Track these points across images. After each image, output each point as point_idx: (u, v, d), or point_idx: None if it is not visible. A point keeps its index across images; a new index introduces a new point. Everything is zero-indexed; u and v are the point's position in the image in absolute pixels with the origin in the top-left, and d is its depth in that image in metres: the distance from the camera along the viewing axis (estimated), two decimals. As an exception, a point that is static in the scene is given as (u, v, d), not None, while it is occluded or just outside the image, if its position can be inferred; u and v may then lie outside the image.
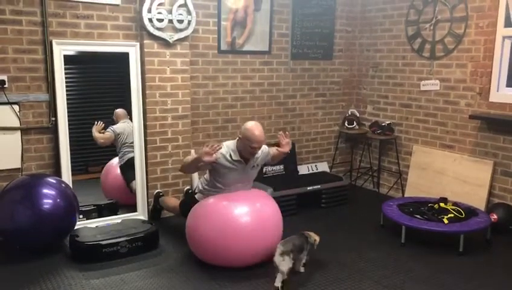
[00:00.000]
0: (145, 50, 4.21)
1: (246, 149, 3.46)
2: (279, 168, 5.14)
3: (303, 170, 5.39)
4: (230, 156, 3.51)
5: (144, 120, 4.33)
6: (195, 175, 4.65)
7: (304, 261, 3.40)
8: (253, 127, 3.44)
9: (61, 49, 3.95)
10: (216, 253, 3.38)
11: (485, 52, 4.36)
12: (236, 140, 3.56)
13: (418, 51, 4.99)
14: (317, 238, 3.46)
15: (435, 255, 3.72)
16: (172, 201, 4.27)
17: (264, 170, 5.02)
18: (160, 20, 4.18)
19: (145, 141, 4.35)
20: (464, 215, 3.96)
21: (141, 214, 4.41)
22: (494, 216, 4.09)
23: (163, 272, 3.43)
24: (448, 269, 3.50)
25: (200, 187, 3.77)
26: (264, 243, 3.40)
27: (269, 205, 3.63)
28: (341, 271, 3.47)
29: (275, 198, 4.43)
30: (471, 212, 4.04)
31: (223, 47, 4.75)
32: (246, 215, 3.40)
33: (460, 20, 4.54)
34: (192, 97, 4.58)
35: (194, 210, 3.57)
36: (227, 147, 3.53)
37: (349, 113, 5.63)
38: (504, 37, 4.25)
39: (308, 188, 4.74)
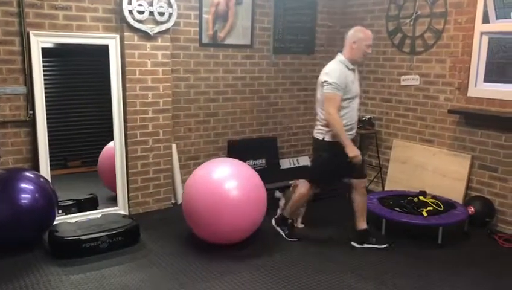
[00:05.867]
0: (126, 42, 4.16)
1: (360, 51, 3.52)
2: (261, 162, 5.16)
3: (285, 164, 5.41)
4: (346, 67, 3.54)
5: (124, 114, 4.28)
6: (178, 181, 4.63)
7: (300, 217, 4.13)
8: (361, 28, 3.58)
9: (39, 41, 3.86)
10: (207, 225, 3.56)
11: (464, 47, 4.43)
12: (339, 58, 3.59)
13: (398, 46, 5.03)
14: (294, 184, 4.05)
15: (415, 247, 3.78)
16: (297, 196, 3.90)
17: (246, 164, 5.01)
18: (141, 13, 4.12)
19: (126, 135, 4.30)
20: (442, 208, 4.03)
21: (122, 208, 4.37)
22: (472, 209, 4.17)
23: (144, 266, 3.41)
24: (427, 261, 3.56)
25: (327, 130, 3.55)
26: (250, 217, 3.62)
27: (256, 179, 3.82)
28: (322, 264, 3.50)
29: (256, 192, 4.46)
30: (449, 205, 4.12)
31: (205, 40, 4.71)
32: (234, 189, 3.56)
33: (439, 16, 4.60)
34: (173, 91, 4.54)
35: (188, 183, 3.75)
36: (337, 65, 3.54)
37: (331, 108, 5.66)
38: (482, 33, 4.32)
39: (290, 182, 4.74)
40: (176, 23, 4.39)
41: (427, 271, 3.42)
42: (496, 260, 3.62)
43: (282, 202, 4.32)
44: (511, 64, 4.33)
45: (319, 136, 3.63)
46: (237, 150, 5.00)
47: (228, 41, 4.87)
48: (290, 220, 4.00)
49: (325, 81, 3.47)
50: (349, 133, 3.59)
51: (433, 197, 4.24)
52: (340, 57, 3.60)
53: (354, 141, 3.68)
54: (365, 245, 3.77)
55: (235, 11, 4.84)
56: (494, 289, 3.20)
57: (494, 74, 4.44)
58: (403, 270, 3.41)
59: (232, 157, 4.99)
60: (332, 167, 3.65)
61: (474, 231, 4.07)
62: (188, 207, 3.66)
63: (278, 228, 4.01)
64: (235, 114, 5.07)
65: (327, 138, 3.57)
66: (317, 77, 5.54)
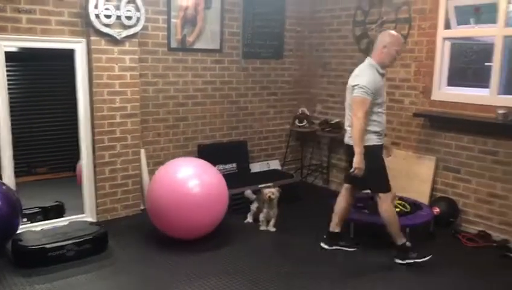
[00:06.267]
0: (92, 47, 4.10)
1: (390, 55, 3.46)
2: (232, 166, 5.15)
3: (255, 168, 5.43)
4: (377, 71, 3.46)
5: (91, 119, 4.21)
6: (146, 187, 4.58)
7: (272, 221, 4.20)
8: (391, 32, 3.54)
9: (2, 45, 3.76)
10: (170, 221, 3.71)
11: (427, 52, 4.56)
12: (369, 61, 3.50)
13: (365, 51, 5.13)
14: (270, 194, 4.10)
15: (383, 248, 3.84)
16: (386, 220, 3.57)
17: (216, 168, 5.00)
18: (108, 16, 4.07)
19: (93, 140, 4.23)
20: (409, 210, 4.13)
21: (89, 215, 4.29)
22: (437, 209, 4.28)
23: (112, 274, 3.35)
24: (395, 261, 3.63)
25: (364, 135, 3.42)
26: (212, 214, 3.79)
27: (217, 177, 3.96)
28: (293, 267, 3.52)
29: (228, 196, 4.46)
30: (416, 206, 4.22)
31: (173, 45, 4.69)
32: (196, 187, 3.72)
33: (404, 22, 4.72)
34: (141, 95, 4.49)
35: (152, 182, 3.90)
36: (369, 69, 3.45)
37: (300, 112, 5.72)
38: (444, 39, 4.46)
39: (260, 186, 4.76)
40: (144, 28, 4.35)
41: (395, 271, 3.49)
42: (460, 259, 3.73)
43: (254, 206, 4.33)
44: (472, 69, 4.48)
45: None
46: (207, 154, 4.97)
47: (197, 46, 4.86)
48: (406, 242, 3.58)
49: (355, 85, 3.38)
50: (381, 138, 3.53)
51: (400, 198, 4.33)
52: (370, 60, 3.51)
53: (386, 147, 3.71)
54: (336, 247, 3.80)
55: (204, 15, 4.84)
56: (459, 287, 3.30)
57: (456, 77, 4.59)
58: (372, 272, 3.47)
59: (202, 162, 4.97)
60: (384, 168, 3.55)
61: (440, 231, 4.18)
62: (152, 205, 3.80)
63: (407, 261, 3.54)
64: (204, 118, 5.05)
65: (368, 143, 3.43)
66: (287, 81, 5.67)
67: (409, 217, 3.99)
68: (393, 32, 3.58)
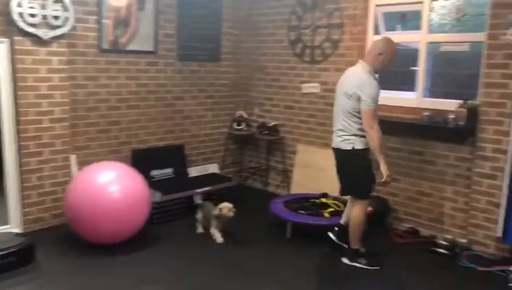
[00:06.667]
0: (16, 47, 3.87)
1: (384, 64, 3.45)
2: (168, 171, 5.06)
3: (193, 172, 5.36)
4: (373, 76, 3.43)
5: (15, 123, 3.96)
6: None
7: (218, 233, 4.01)
8: (389, 41, 3.48)
9: None
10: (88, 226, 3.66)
11: (358, 57, 4.69)
12: (364, 67, 3.43)
13: (299, 55, 5.24)
14: (226, 212, 3.92)
15: (318, 247, 3.93)
16: (353, 222, 3.60)
17: (152, 173, 4.90)
18: (33, 16, 3.86)
19: (19, 146, 3.99)
20: (342, 209, 4.23)
21: (15, 226, 4.04)
22: (370, 208, 4.42)
23: (40, 286, 3.19)
24: (330, 260, 3.72)
25: (354, 138, 3.44)
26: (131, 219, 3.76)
27: (138, 182, 3.89)
28: (231, 269, 3.50)
29: (163, 202, 4.39)
30: (349, 205, 4.34)
31: (105, 46, 4.53)
32: (116, 192, 3.68)
33: (336, 27, 4.86)
34: (71, 98, 4.30)
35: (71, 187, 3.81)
36: (368, 77, 3.38)
37: (238, 115, 5.72)
38: (374, 44, 4.64)
39: (198, 190, 4.72)
40: (73, 28, 4.17)
41: (330, 270, 3.57)
42: (392, 254, 3.88)
43: (199, 216, 4.23)
44: (397, 73, 4.70)
45: (348, 147, 3.47)
46: (142, 159, 4.86)
47: (130, 48, 4.73)
48: (359, 248, 3.65)
49: (358, 96, 3.33)
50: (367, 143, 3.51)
51: (335, 198, 4.45)
52: (365, 65, 3.45)
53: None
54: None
55: (137, 17, 4.72)
56: (391, 281, 3.43)
57: (384, 81, 4.77)
58: (307, 272, 3.53)
59: (137, 167, 4.86)
60: (372, 174, 3.56)
61: (373, 228, 4.31)
62: (69, 213, 3.76)
63: (354, 264, 3.61)
64: (139, 122, 4.92)
65: (357, 146, 3.44)
66: (224, 84, 5.66)
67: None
68: (391, 40, 3.51)
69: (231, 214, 3.96)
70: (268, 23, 5.52)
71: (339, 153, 3.57)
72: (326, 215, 4.12)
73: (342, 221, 3.88)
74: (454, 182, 4.14)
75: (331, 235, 3.84)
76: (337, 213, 4.14)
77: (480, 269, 3.60)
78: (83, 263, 3.53)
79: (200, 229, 4.22)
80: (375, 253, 3.71)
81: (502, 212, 3.64)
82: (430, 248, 3.95)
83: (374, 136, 3.34)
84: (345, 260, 3.65)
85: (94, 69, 4.49)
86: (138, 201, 3.80)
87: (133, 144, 4.90)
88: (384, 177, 3.41)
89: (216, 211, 3.99)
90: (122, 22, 4.62)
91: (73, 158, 4.39)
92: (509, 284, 3.34)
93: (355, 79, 3.42)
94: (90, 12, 4.38)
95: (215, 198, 4.53)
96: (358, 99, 3.35)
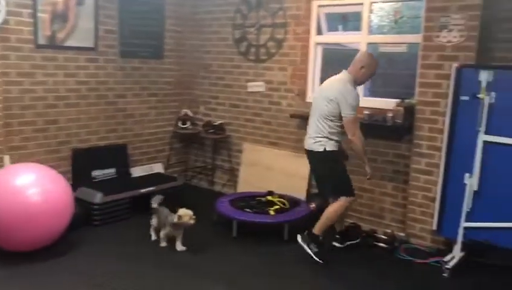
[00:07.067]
0: None
1: (365, 77, 3.65)
2: (111, 171, 4.91)
3: (137, 172, 5.23)
4: (355, 87, 3.61)
5: None
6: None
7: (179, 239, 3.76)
8: (372, 56, 3.68)
9: None
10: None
11: (302, 56, 4.80)
12: (347, 76, 3.60)
13: (244, 53, 5.24)
14: (187, 220, 3.64)
15: (264, 245, 3.96)
16: (329, 214, 3.73)
17: (93, 174, 4.74)
18: (-40, 7, 3.62)
19: None
20: (288, 206, 4.30)
21: None
22: (313, 205, 4.52)
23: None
24: (275, 257, 3.76)
25: (325, 141, 3.61)
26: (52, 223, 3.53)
27: (60, 185, 3.65)
28: (175, 269, 3.45)
29: (105, 203, 4.26)
30: (294, 202, 4.41)
31: (41, 41, 4.32)
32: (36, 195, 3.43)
33: (280, 26, 4.91)
34: (4, 96, 4.07)
35: None
36: (351, 85, 3.57)
37: (183, 113, 5.65)
38: (316, 44, 4.74)
39: (142, 191, 4.61)
40: (5, 21, 3.96)
41: (274, 266, 3.60)
42: (335, 249, 3.97)
43: (154, 221, 3.96)
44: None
45: (320, 148, 3.62)
46: (83, 159, 4.69)
47: (69, 43, 4.54)
48: (319, 236, 3.75)
49: (338, 103, 3.51)
50: (338, 145, 3.72)
51: (280, 196, 4.50)
52: (348, 75, 3.62)
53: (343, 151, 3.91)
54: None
55: (76, 11, 4.54)
56: (332, 274, 3.52)
57: (328, 81, 4.88)
58: (253, 270, 3.54)
59: (78, 168, 4.70)
60: (345, 171, 3.75)
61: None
62: None
63: (305, 247, 3.71)
64: (79, 121, 4.73)
65: (328, 148, 3.61)
66: (168, 82, 5.56)
67: (288, 214, 4.17)
68: (373, 56, 3.73)
69: (192, 222, 3.69)
70: (212, 21, 5.49)
71: (312, 155, 3.74)
72: (272, 213, 4.16)
73: (338, 228, 4.04)
74: (394, 178, 4.30)
75: (336, 244, 3.98)
76: (282, 211, 4.19)
77: (417, 261, 3.77)
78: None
79: (154, 237, 3.95)
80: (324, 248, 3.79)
81: (437, 206, 3.83)
82: (371, 242, 4.08)
83: (358, 141, 3.59)
84: (300, 241, 3.75)
85: (29, 65, 4.27)
86: (59, 205, 3.56)
87: (73, 143, 4.71)
88: (369, 175, 3.78)
89: (175, 219, 3.70)
90: (60, 16, 4.42)
91: (6, 158, 4.15)
92: (444, 275, 3.51)
93: (339, 87, 3.58)
94: (24, 5, 4.16)
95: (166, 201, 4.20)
96: (338, 105, 3.53)
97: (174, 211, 3.77)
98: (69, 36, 4.53)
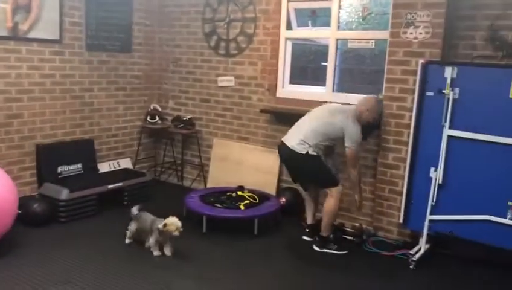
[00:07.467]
0: None
1: (367, 119, 3.80)
2: (77, 167, 4.80)
3: (104, 167, 5.14)
4: (358, 124, 3.77)
5: None
6: None
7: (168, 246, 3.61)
8: (376, 102, 3.88)
9: None
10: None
11: (272, 51, 4.80)
12: (354, 113, 3.77)
13: (214, 48, 5.20)
14: (172, 230, 3.49)
15: (234, 240, 3.95)
16: (328, 212, 3.88)
17: (59, 170, 4.62)
18: None
19: None
20: (258, 201, 4.31)
21: None
22: (283, 199, 4.54)
23: None
24: (245, 251, 3.76)
25: (309, 148, 3.75)
26: None
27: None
28: (144, 265, 3.41)
29: (71, 199, 4.17)
30: (264, 197, 4.42)
31: (3, 33, 4.17)
32: None
33: (250, 21, 4.89)
34: (-37, 89, 3.92)
35: None
36: (354, 119, 3.74)
37: (152, 108, 5.57)
38: (286, 39, 4.75)
39: (109, 187, 4.53)
40: (-36, 11, 3.79)
41: (246, 261, 3.61)
42: (305, 243, 4.01)
43: (132, 227, 3.77)
44: (311, 68, 4.86)
45: (302, 151, 3.74)
46: (48, 154, 4.56)
47: (32, 35, 4.40)
48: (329, 235, 3.94)
49: (343, 134, 3.71)
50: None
51: (250, 191, 4.50)
52: (355, 113, 3.78)
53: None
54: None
55: (40, 2, 4.39)
56: (299, 267, 3.55)
57: (298, 76, 4.92)
58: (223, 264, 3.54)
59: (43, 163, 4.58)
60: (324, 163, 3.85)
61: (285, 219, 4.44)
62: None
63: (325, 250, 3.87)
64: (43, 115, 4.60)
65: (310, 153, 3.74)
66: (136, 76, 5.47)
67: (258, 208, 4.18)
68: (380, 103, 3.96)
69: (177, 233, 3.52)
70: (182, 15, 5.42)
71: (291, 153, 3.81)
72: (242, 207, 4.16)
73: (309, 221, 4.13)
74: (362, 173, 4.36)
75: (306, 238, 4.07)
76: (253, 205, 4.20)
77: (384, 253, 3.84)
78: None
79: (128, 241, 3.79)
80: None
81: (403, 200, 3.91)
82: (340, 236, 4.13)
83: (356, 173, 3.83)
84: (316, 248, 3.88)
85: (-10, 58, 4.13)
86: (4, 204, 3.37)
87: (37, 138, 4.57)
88: (358, 203, 3.95)
89: (161, 226, 3.53)
90: (23, 7, 4.28)
91: (-34, 155, 4.00)
92: (410, 267, 3.59)
93: (348, 123, 3.74)
94: (-15, -5, 4.01)
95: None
96: (343, 133, 3.73)
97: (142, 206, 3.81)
98: (33, 28, 4.39)
